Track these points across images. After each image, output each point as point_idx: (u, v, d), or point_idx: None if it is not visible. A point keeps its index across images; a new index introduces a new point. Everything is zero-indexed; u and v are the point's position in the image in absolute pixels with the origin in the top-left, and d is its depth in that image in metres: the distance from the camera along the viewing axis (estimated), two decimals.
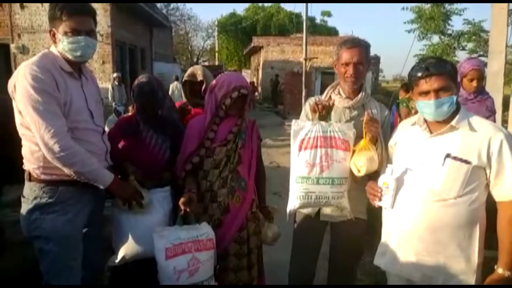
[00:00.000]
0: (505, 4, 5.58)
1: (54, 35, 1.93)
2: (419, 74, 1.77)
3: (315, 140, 2.02)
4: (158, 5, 25.63)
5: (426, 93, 1.77)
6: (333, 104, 2.20)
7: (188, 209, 2.16)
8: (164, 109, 2.46)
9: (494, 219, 1.77)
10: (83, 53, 1.95)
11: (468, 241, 1.76)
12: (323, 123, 2.06)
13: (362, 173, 1.99)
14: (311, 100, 2.29)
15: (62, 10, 1.87)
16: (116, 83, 11.59)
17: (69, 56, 1.93)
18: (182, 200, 2.14)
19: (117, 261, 2.21)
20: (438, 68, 1.75)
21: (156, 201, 2.27)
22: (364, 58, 2.16)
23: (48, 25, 1.96)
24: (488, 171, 1.74)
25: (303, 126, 2.07)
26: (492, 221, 1.78)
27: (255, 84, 24.69)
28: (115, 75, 12.07)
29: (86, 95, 2.02)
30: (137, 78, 2.49)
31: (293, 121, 2.12)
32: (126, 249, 2.20)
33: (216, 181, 2.27)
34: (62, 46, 1.91)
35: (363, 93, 2.24)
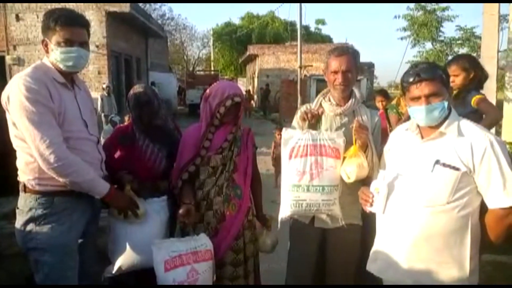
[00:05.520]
0: (496, 10, 5.66)
1: (46, 45, 1.93)
2: (410, 80, 1.77)
3: (305, 149, 2.04)
4: (154, 15, 25.79)
5: (417, 98, 1.76)
6: (323, 112, 2.22)
7: (186, 221, 2.17)
8: (159, 118, 2.47)
9: None
10: (75, 64, 1.96)
11: (459, 248, 1.74)
12: (313, 131, 2.08)
13: (352, 180, 2.01)
14: (302, 109, 2.31)
15: (56, 20, 1.88)
16: (106, 94, 11.18)
17: (61, 66, 1.93)
18: (180, 212, 2.15)
19: (113, 271, 2.21)
20: (429, 73, 1.74)
21: (153, 211, 2.27)
22: (352, 66, 2.18)
23: (41, 35, 1.96)
24: (475, 178, 1.71)
25: (293, 135, 2.09)
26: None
27: (251, 92, 24.71)
28: (104, 85, 11.58)
29: (80, 105, 2.03)
30: (132, 88, 2.50)
31: (283, 129, 2.14)
32: (123, 260, 2.21)
33: (212, 189, 2.28)
34: (54, 56, 1.91)
35: (353, 100, 2.25)
